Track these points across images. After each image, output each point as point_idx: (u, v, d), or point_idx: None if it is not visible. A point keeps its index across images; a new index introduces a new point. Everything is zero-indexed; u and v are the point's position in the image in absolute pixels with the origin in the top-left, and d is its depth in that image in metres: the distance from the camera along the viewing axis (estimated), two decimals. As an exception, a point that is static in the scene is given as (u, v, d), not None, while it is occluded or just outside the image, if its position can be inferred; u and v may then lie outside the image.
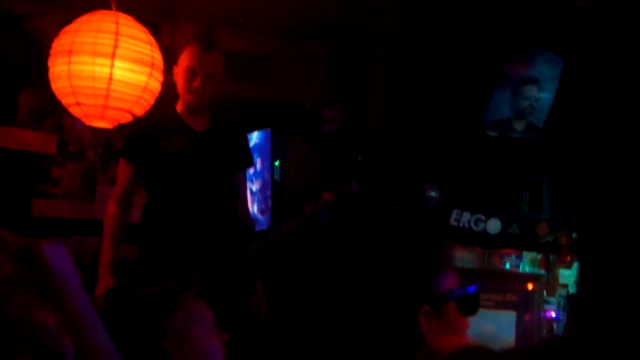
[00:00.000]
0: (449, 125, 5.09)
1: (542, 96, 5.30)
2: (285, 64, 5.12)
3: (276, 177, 4.97)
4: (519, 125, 5.37)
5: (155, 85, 3.85)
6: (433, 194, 4.76)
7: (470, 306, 1.95)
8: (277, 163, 4.92)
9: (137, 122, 3.94)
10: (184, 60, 3.84)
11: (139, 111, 3.86)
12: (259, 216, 5.00)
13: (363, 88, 5.07)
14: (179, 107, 3.93)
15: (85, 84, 3.71)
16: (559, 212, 4.87)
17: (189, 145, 3.88)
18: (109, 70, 3.68)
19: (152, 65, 3.80)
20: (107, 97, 3.72)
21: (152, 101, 3.87)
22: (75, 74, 3.72)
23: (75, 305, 1.82)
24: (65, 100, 3.79)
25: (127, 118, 3.86)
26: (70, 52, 3.71)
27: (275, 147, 5.00)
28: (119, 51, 3.71)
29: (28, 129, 4.67)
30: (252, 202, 5.03)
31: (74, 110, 3.82)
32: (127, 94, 3.75)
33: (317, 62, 5.15)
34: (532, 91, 5.32)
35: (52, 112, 4.61)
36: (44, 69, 3.84)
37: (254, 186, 5.04)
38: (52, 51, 3.76)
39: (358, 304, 1.89)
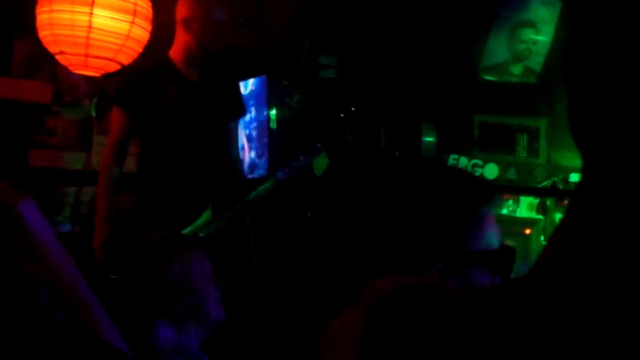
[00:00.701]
0: (446, 70, 5.07)
1: (539, 39, 5.27)
2: (279, 9, 5.07)
3: (272, 124, 4.96)
4: (516, 69, 5.35)
5: (140, 33, 3.81)
6: (430, 139, 4.76)
7: (501, 265, 1.64)
8: (273, 110, 4.91)
9: (131, 70, 3.91)
10: (193, 11, 3.81)
11: (125, 60, 3.83)
12: (257, 160, 5.00)
13: (359, 33, 5.03)
14: (174, 55, 3.90)
15: (65, 32, 3.68)
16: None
17: (184, 95, 3.87)
18: (88, 18, 3.63)
19: (134, 13, 3.74)
20: (87, 45, 3.67)
21: (138, 49, 3.83)
22: (56, 22, 3.68)
23: (54, 260, 1.81)
24: (51, 49, 3.76)
25: (113, 67, 3.83)
26: (51, 0, 3.67)
27: (271, 94, 4.98)
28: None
29: (23, 78, 4.63)
30: (250, 149, 5.03)
31: (61, 59, 3.79)
32: (108, 42, 3.70)
33: (312, 6, 5.11)
34: (528, 34, 5.29)
35: (46, 61, 4.57)
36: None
37: (253, 132, 5.03)
38: (38, -1, 3.73)
39: (361, 259, 1.75)
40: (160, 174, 3.87)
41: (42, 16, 3.70)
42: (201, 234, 3.75)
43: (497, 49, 5.33)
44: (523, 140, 5.21)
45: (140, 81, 3.88)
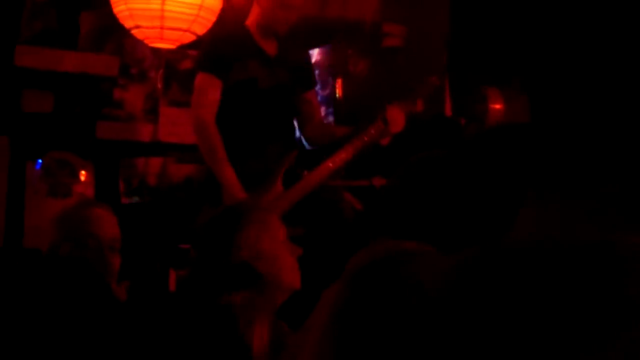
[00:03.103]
0: (514, 41, 4.98)
1: None
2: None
3: (337, 93, 4.94)
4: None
5: (213, 2, 3.80)
6: (498, 106, 4.69)
7: None
8: (338, 79, 4.89)
9: (214, 38, 3.89)
10: None
11: (200, 30, 3.82)
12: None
13: (425, 1, 4.97)
14: (251, 26, 3.90)
15: (140, 6, 3.69)
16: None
17: (264, 71, 3.86)
18: None
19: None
20: (162, 17, 3.69)
21: (212, 18, 3.83)
22: None
23: None
24: (126, 24, 3.78)
25: (189, 37, 3.84)
26: None
27: (335, 64, 4.96)
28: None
29: (90, 52, 4.67)
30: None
31: (136, 33, 3.81)
32: (183, 12, 3.70)
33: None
34: None
35: (113, 34, 4.60)
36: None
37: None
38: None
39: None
40: (233, 147, 3.81)
41: None
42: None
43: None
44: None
45: (222, 52, 3.85)
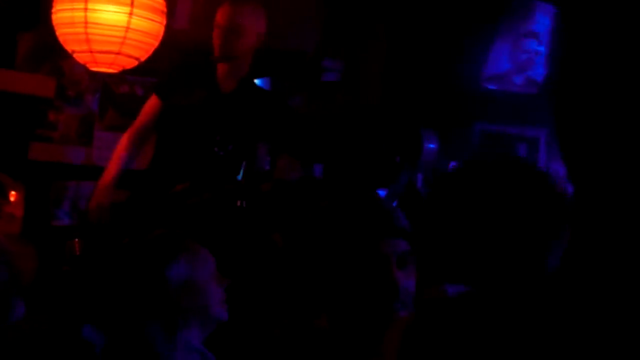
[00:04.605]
0: (448, 78, 5.07)
1: (542, 50, 5.29)
2: (285, 8, 5.07)
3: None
4: (518, 79, 5.36)
5: (144, 24, 3.80)
6: (432, 145, 4.76)
7: None
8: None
9: (170, 64, 3.99)
10: (221, 17, 3.87)
11: (136, 52, 3.84)
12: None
13: (363, 38, 5.03)
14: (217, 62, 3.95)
15: (67, 30, 3.75)
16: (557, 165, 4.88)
17: (206, 103, 3.86)
18: (83, 13, 3.67)
19: (132, 4, 3.74)
20: (88, 41, 3.71)
21: (148, 40, 3.83)
22: (59, 22, 3.75)
23: None
24: (75, 47, 3.77)
25: (127, 61, 3.86)
26: (55, 1, 3.76)
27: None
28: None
29: (26, 72, 4.62)
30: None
31: (77, 57, 3.81)
32: (107, 35, 3.71)
33: (318, 8, 5.11)
34: (531, 45, 5.30)
35: (51, 55, 4.56)
36: (44, 11, 3.85)
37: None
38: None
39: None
40: (165, 172, 3.88)
41: (54, 16, 3.78)
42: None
43: (500, 58, 5.34)
44: (523, 149, 5.22)
45: (177, 76, 3.97)
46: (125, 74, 4.39)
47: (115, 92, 4.78)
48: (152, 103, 4.00)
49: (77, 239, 3.97)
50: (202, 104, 3.86)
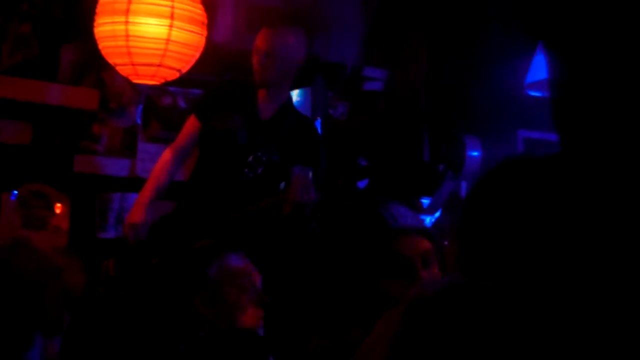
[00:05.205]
0: (492, 85, 5.04)
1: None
2: (327, 19, 5.07)
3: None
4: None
5: (185, 36, 3.85)
6: (475, 153, 4.73)
7: None
8: (317, 121, 4.90)
9: (210, 85, 4.00)
10: (260, 42, 3.82)
11: (177, 64, 3.89)
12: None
13: (406, 46, 5.02)
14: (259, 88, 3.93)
15: (109, 43, 3.80)
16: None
17: (244, 129, 3.85)
18: (124, 27, 3.71)
19: (172, 16, 3.78)
20: (129, 54, 3.75)
21: (189, 52, 3.89)
22: (102, 35, 3.81)
23: None
24: (117, 60, 3.81)
25: (169, 73, 3.90)
26: (97, 14, 3.81)
27: (315, 105, 4.97)
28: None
29: (69, 84, 4.66)
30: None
31: (120, 70, 3.85)
32: (148, 47, 3.75)
33: (359, 18, 5.10)
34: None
35: (93, 67, 4.60)
36: (86, 24, 3.90)
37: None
38: (99, 9, 3.80)
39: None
40: (200, 189, 3.91)
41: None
42: None
43: (542, 65, 5.29)
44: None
45: (217, 97, 3.95)
46: (167, 86, 4.42)
47: (159, 105, 4.81)
48: (191, 123, 3.97)
49: (112, 259, 3.97)
50: (239, 129, 3.85)
